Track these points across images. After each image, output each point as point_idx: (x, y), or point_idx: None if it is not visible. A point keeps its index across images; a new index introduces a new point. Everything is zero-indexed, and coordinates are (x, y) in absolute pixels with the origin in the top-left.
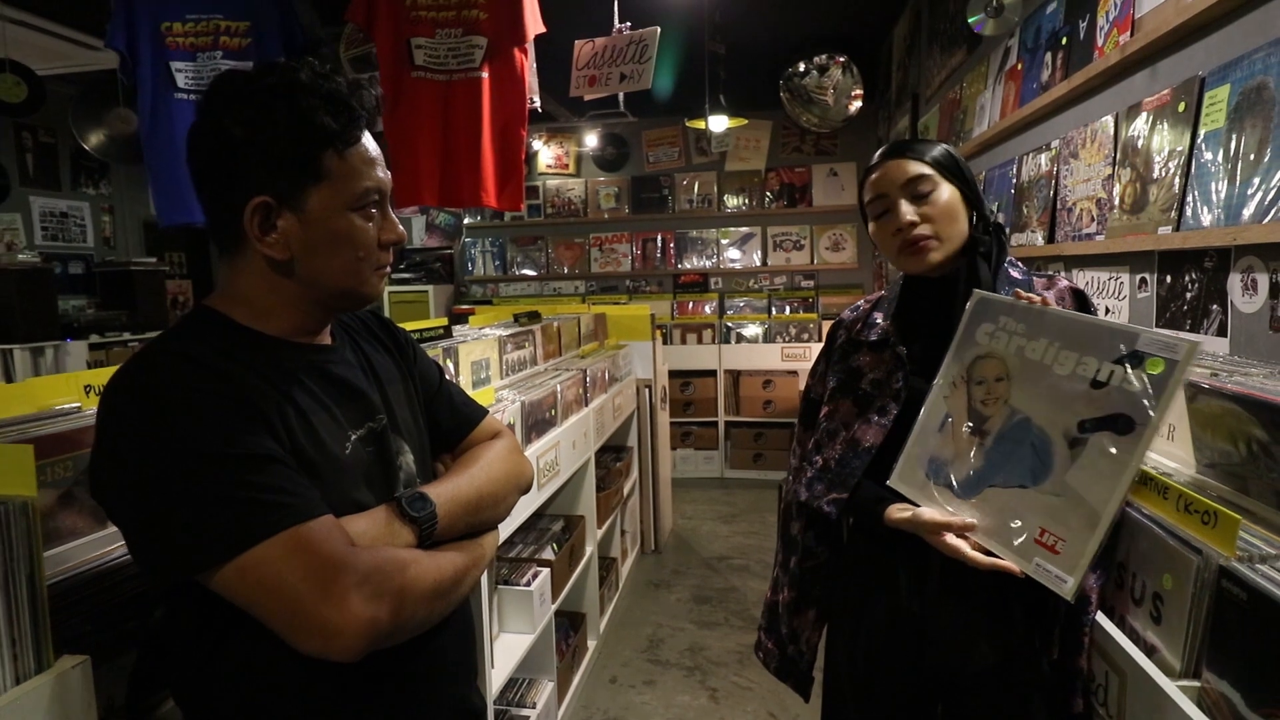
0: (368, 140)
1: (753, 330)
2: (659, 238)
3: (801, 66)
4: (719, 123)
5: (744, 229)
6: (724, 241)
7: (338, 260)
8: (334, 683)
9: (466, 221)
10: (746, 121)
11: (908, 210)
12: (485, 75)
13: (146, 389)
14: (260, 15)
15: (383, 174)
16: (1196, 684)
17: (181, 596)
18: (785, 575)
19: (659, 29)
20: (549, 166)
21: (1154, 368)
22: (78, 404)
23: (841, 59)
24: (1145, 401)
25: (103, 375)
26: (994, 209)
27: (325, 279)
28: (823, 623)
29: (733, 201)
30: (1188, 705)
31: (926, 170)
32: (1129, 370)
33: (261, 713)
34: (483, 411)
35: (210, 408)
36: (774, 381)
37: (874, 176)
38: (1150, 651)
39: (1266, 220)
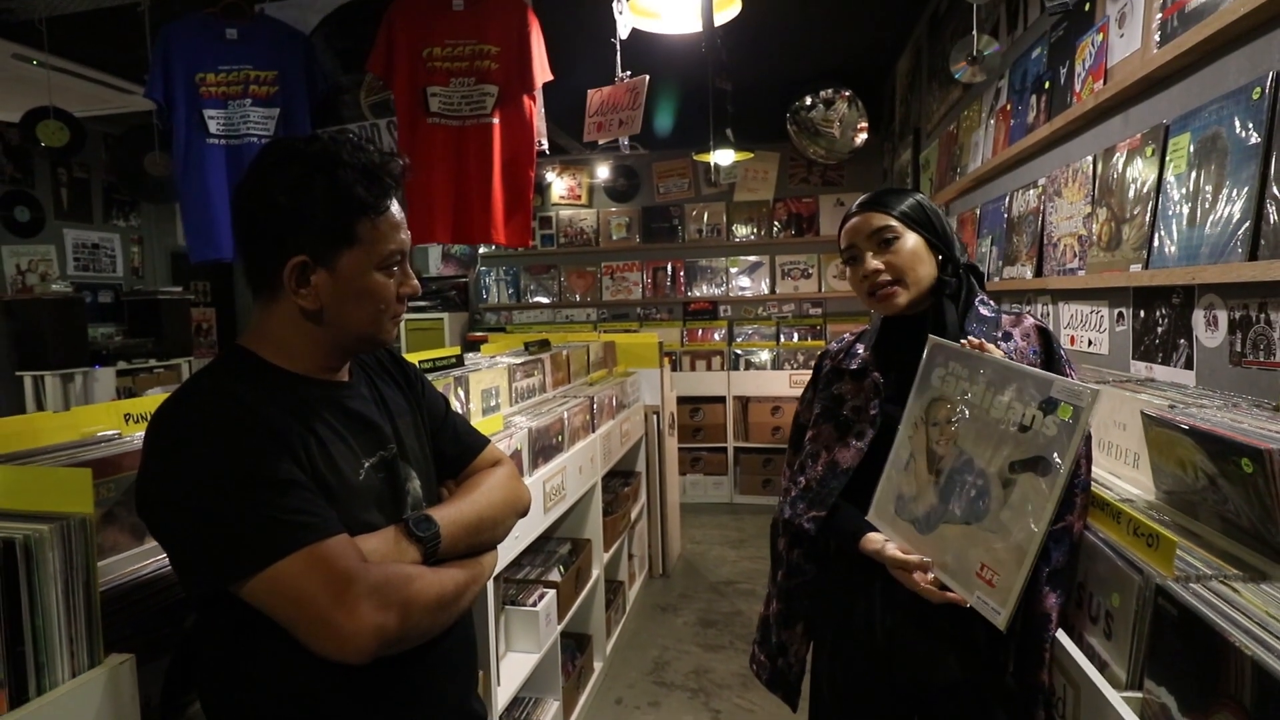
0: (395, 208)
1: (761, 357)
2: (669, 266)
3: (808, 100)
4: (725, 156)
5: (752, 258)
6: (733, 270)
7: (362, 312)
8: (347, 686)
9: (481, 251)
10: (753, 154)
11: (872, 260)
12: (496, 121)
13: (189, 419)
14: (287, 65)
15: (405, 236)
16: (1139, 694)
17: (212, 606)
18: (774, 590)
19: (648, 77)
20: (562, 197)
21: (1064, 414)
22: (117, 431)
23: (847, 93)
24: (1058, 445)
25: (140, 404)
26: (964, 248)
27: (349, 327)
28: (810, 637)
29: (741, 231)
30: (1129, 714)
31: (892, 222)
32: (1045, 416)
33: (279, 713)
34: (484, 441)
35: (243, 438)
36: (782, 408)
37: (847, 226)
38: (1103, 666)
39: (1221, 261)
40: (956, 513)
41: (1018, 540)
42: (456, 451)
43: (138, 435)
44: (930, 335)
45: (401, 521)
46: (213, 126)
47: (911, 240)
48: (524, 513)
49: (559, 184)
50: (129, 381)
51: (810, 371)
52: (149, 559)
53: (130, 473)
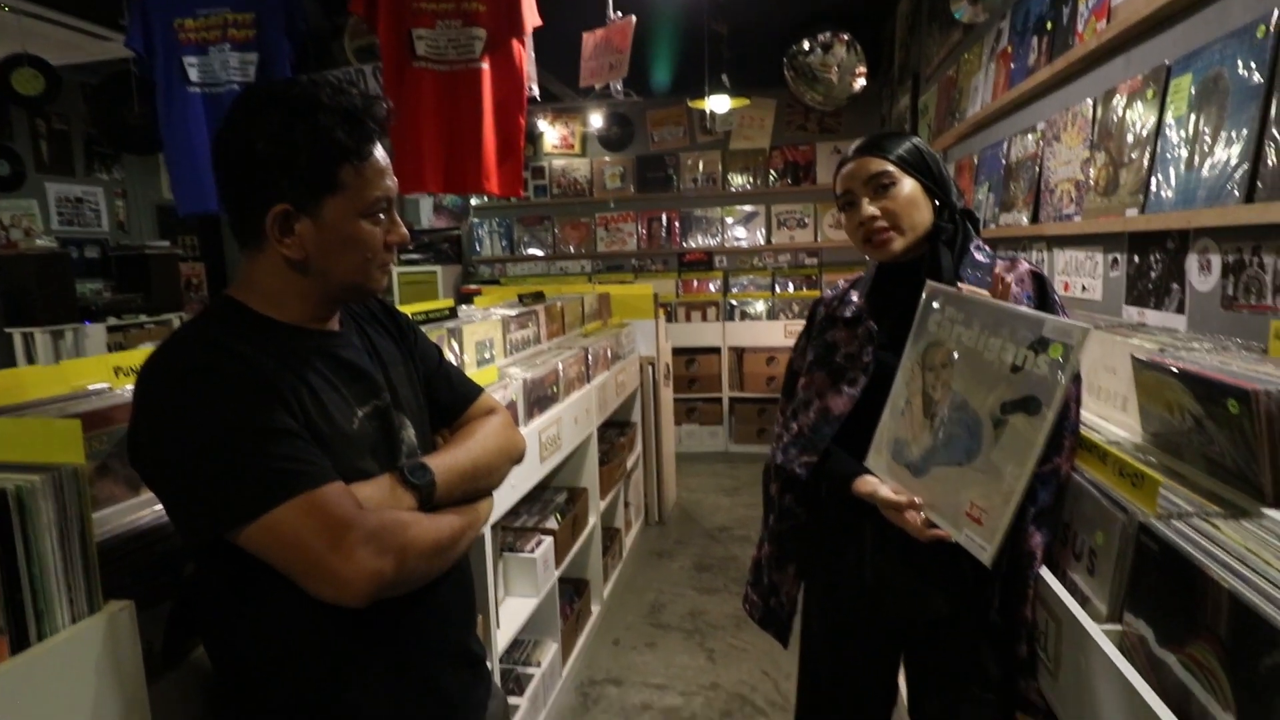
0: (379, 153)
1: (757, 308)
2: (664, 217)
3: (806, 44)
4: (720, 103)
5: (748, 207)
6: (728, 220)
7: (348, 260)
8: (347, 629)
9: (474, 203)
10: (749, 101)
11: (868, 205)
12: (485, 66)
13: (179, 370)
14: (264, 6)
15: (391, 183)
16: (1118, 627)
17: (210, 553)
18: (766, 533)
19: (634, 18)
20: (555, 147)
21: (1055, 352)
22: (107, 384)
23: (845, 37)
24: (1048, 384)
25: (129, 358)
26: (960, 194)
27: (336, 276)
28: (800, 578)
29: (737, 180)
30: (1107, 645)
31: (889, 167)
32: (1036, 355)
33: (280, 655)
34: (478, 389)
35: (235, 387)
36: (777, 358)
37: (843, 171)
38: (1084, 601)
39: (1217, 204)
40: (949, 455)
41: (1006, 479)
42: (450, 400)
43: (128, 388)
44: (928, 280)
45: (397, 469)
46: (193, 74)
47: (908, 186)
48: (519, 460)
49: (551, 133)
50: (120, 337)
51: (805, 321)
52: (145, 510)
53: (123, 425)
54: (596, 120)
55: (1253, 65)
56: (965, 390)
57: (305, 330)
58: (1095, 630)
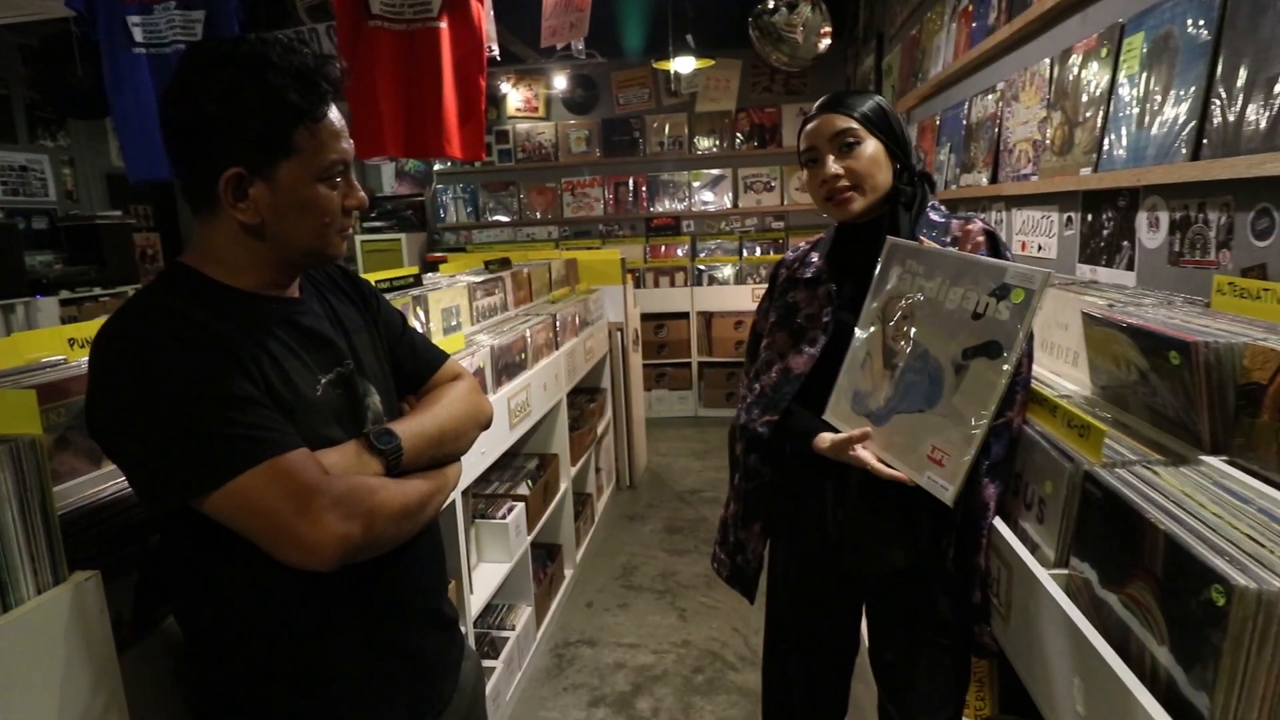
0: (334, 114)
1: (724, 272)
2: (630, 181)
3: (771, 3)
4: (685, 64)
5: (715, 171)
6: (695, 184)
7: (305, 225)
8: (317, 593)
9: (437, 168)
10: (714, 62)
11: (832, 164)
12: (443, 25)
13: (136, 339)
14: None
15: (347, 145)
16: (1065, 571)
17: (176, 522)
18: (732, 492)
19: None
20: (518, 110)
21: (1016, 297)
22: (62, 356)
23: None
24: (1009, 328)
25: (84, 329)
26: (921, 156)
27: (293, 242)
28: (766, 535)
29: (704, 143)
30: (1054, 588)
31: (854, 125)
32: (998, 301)
33: (250, 621)
34: (444, 356)
35: (194, 355)
36: (745, 322)
37: (807, 128)
38: (1034, 548)
39: (1166, 162)
40: (910, 402)
41: (968, 421)
42: (415, 366)
43: (83, 360)
44: (889, 237)
45: (362, 435)
46: (138, 35)
47: (871, 146)
48: (486, 425)
49: (514, 96)
50: (74, 311)
51: (768, 284)
52: (107, 482)
53: (80, 397)
54: (560, 82)
55: (1201, 23)
56: (926, 340)
57: (264, 297)
58: (1043, 575)
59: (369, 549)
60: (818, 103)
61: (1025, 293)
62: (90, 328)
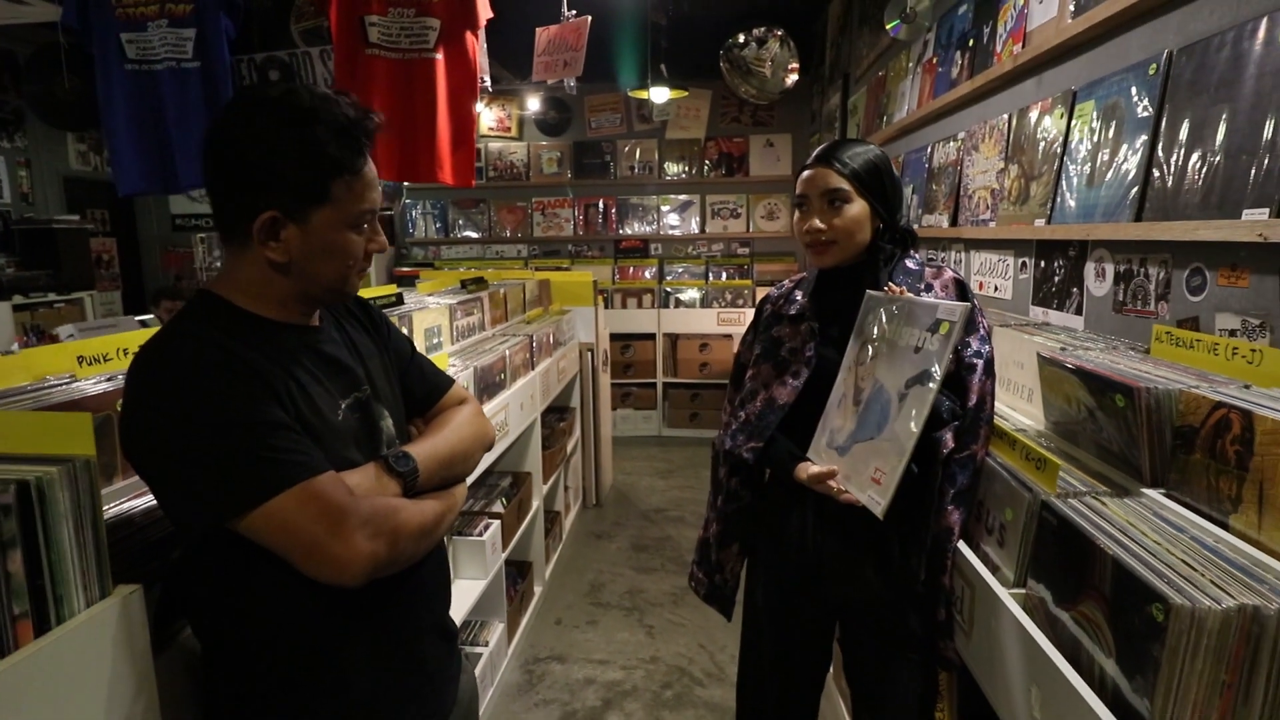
0: (369, 167)
1: (690, 295)
2: (600, 203)
3: (741, 38)
4: (660, 94)
5: (683, 196)
6: (664, 208)
7: (330, 267)
8: (335, 609)
9: (406, 184)
10: (686, 92)
11: (817, 218)
12: (439, 56)
13: (174, 365)
14: None
15: (376, 195)
16: (1023, 591)
17: (204, 539)
18: (714, 514)
19: (589, 18)
20: (491, 129)
21: (943, 329)
22: (70, 374)
23: (779, 32)
24: (936, 357)
25: (93, 346)
26: (910, 199)
27: (317, 280)
28: (744, 556)
29: (673, 169)
30: (1014, 606)
31: (845, 185)
32: (932, 335)
33: (270, 633)
34: (450, 380)
35: (230, 382)
36: (710, 345)
37: (804, 175)
38: (995, 570)
39: (1112, 220)
40: (864, 432)
41: (900, 441)
42: (424, 391)
43: (93, 378)
44: (867, 290)
45: (381, 458)
46: (130, 52)
47: (857, 207)
48: (490, 447)
49: (488, 115)
50: (27, 317)
51: (738, 310)
52: (123, 497)
53: (93, 415)
54: (534, 104)
55: (1145, 98)
56: (883, 377)
57: (289, 326)
58: (1004, 594)
59: (392, 565)
60: (818, 150)
61: (949, 324)
62: (97, 345)
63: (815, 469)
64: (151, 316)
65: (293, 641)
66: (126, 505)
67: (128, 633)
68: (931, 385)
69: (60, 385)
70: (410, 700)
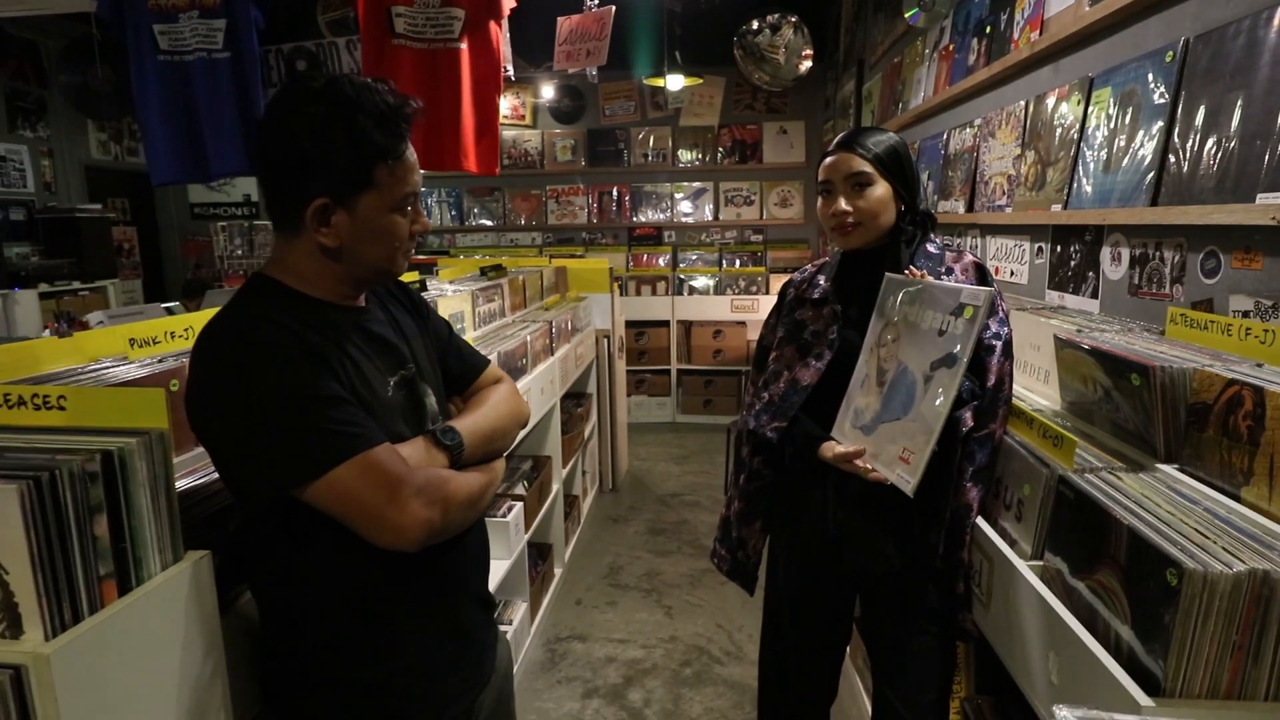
0: (410, 152)
1: (704, 282)
2: (614, 191)
3: (755, 24)
4: (675, 81)
5: (697, 184)
6: (678, 196)
7: (378, 249)
8: (390, 574)
9: (424, 172)
10: (701, 80)
11: (843, 200)
12: (464, 46)
13: (238, 342)
14: None
15: (417, 177)
16: (1040, 563)
17: (263, 510)
18: (736, 491)
19: (613, 8)
20: (505, 117)
21: (968, 314)
22: (123, 355)
23: (793, 19)
24: (963, 339)
25: (142, 329)
26: (926, 185)
27: (365, 262)
28: (766, 533)
29: (686, 156)
30: (1032, 577)
31: (868, 168)
32: (956, 319)
33: (327, 597)
34: (486, 360)
35: (291, 358)
36: (724, 331)
37: (827, 161)
38: (1013, 543)
39: (1128, 205)
40: (890, 412)
41: (928, 422)
42: (462, 370)
43: (145, 359)
44: (886, 273)
45: (429, 432)
46: (163, 43)
47: (881, 189)
48: (525, 424)
49: (502, 103)
50: (53, 305)
51: (751, 297)
52: (182, 471)
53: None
54: (548, 92)
55: (1161, 85)
56: (907, 357)
57: (340, 306)
58: (1022, 566)
59: (445, 532)
60: (839, 137)
61: (974, 309)
62: (147, 328)
63: (841, 448)
64: (176, 305)
65: (347, 606)
66: (182, 482)
67: (198, 595)
68: (958, 368)
69: (114, 367)
70: (455, 664)
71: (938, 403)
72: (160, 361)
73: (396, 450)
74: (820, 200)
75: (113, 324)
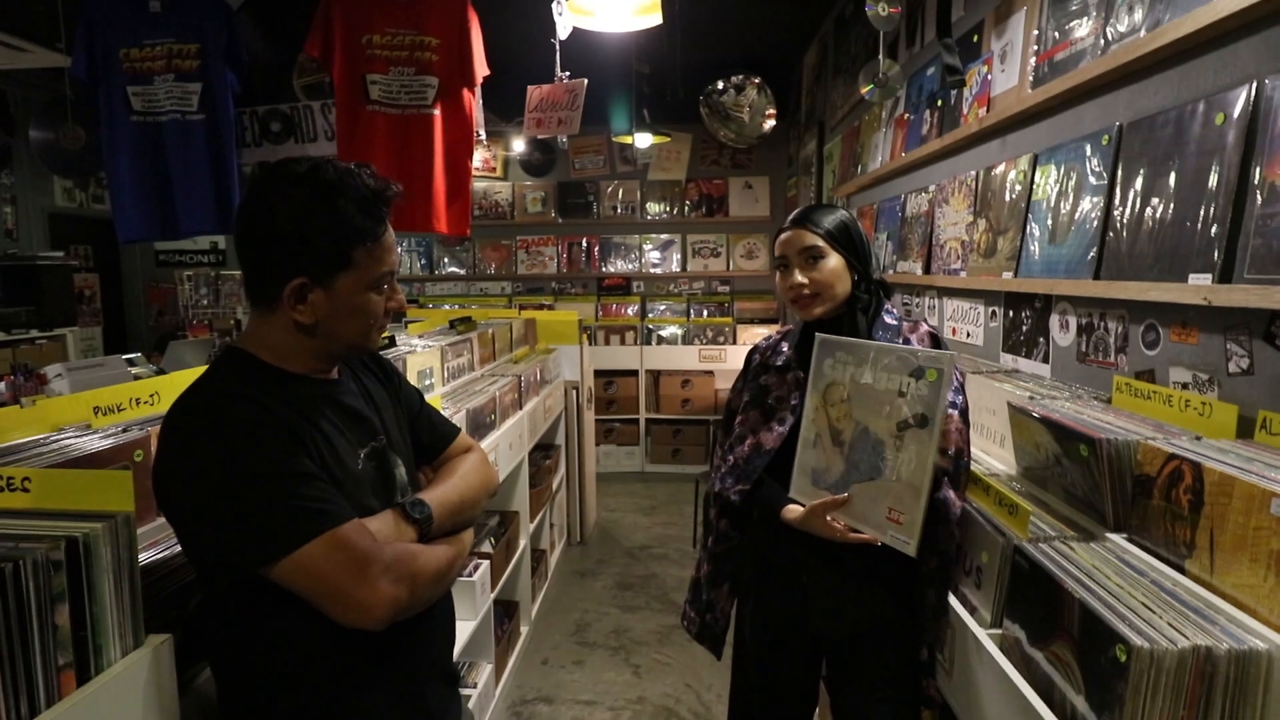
0: (388, 233)
1: (672, 331)
2: (584, 241)
3: (720, 84)
4: (644, 139)
5: (665, 236)
6: (646, 247)
7: (353, 327)
8: (352, 650)
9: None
10: (669, 138)
11: (798, 274)
12: (437, 113)
13: (207, 419)
14: (208, 38)
15: (395, 257)
16: (999, 631)
17: (225, 587)
18: (704, 553)
19: (585, 81)
20: (477, 169)
21: (930, 376)
22: (86, 423)
23: (756, 80)
24: (930, 400)
25: (105, 396)
26: (885, 245)
27: (340, 339)
28: (734, 595)
29: (655, 209)
30: (992, 647)
31: (820, 242)
32: (916, 381)
33: (288, 675)
34: (456, 429)
35: (261, 434)
36: (692, 381)
37: (782, 238)
38: (973, 610)
39: (1074, 277)
40: (861, 473)
41: (912, 482)
42: (432, 440)
43: (109, 428)
44: (818, 333)
45: (398, 505)
46: (136, 104)
47: (834, 261)
48: (494, 494)
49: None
50: (9, 354)
51: (719, 347)
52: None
53: (110, 467)
54: (519, 145)
55: (1100, 165)
56: (864, 419)
57: (312, 380)
58: (982, 634)
59: (412, 609)
60: (791, 216)
61: (937, 372)
62: (110, 395)
63: (817, 502)
64: (138, 356)
65: (309, 684)
66: (144, 555)
67: (158, 680)
68: (932, 428)
69: (78, 438)
70: None
71: (915, 464)
72: (124, 430)
73: (365, 526)
74: (778, 275)
75: (72, 376)
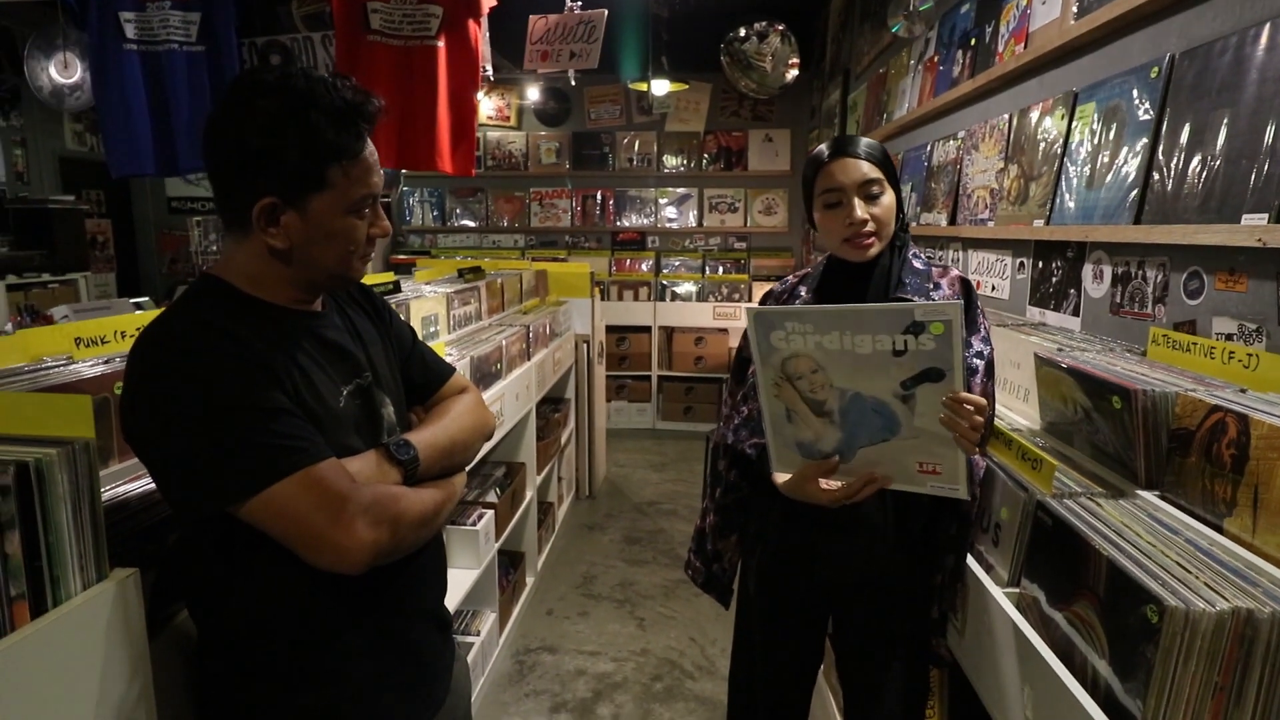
0: (368, 151)
1: (686, 289)
2: (599, 195)
3: (742, 31)
4: (661, 86)
5: (681, 190)
6: (662, 201)
7: (331, 252)
8: (335, 595)
9: (404, 170)
10: (687, 85)
11: (861, 209)
12: (441, 44)
13: (176, 350)
14: None
15: (377, 179)
16: (1017, 590)
17: (203, 524)
18: (712, 504)
19: (606, 12)
20: (490, 118)
21: (937, 329)
22: (68, 355)
23: (780, 27)
24: (943, 354)
25: (90, 328)
26: (909, 197)
27: (318, 267)
28: (741, 546)
29: (671, 162)
30: (1008, 606)
31: (878, 175)
32: (917, 336)
33: (268, 619)
34: (451, 369)
35: (232, 367)
36: (705, 339)
37: (831, 167)
38: (989, 569)
39: (1111, 222)
40: (869, 435)
41: (939, 433)
42: (425, 379)
43: (90, 360)
44: (746, 307)
45: (382, 446)
46: (129, 31)
47: (889, 196)
48: (490, 437)
49: (486, 104)
50: (21, 297)
51: (734, 304)
52: (119, 481)
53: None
54: (533, 94)
55: (1146, 102)
56: (851, 384)
57: (292, 311)
58: (998, 593)
59: (394, 553)
60: (833, 144)
61: (944, 324)
62: (94, 327)
63: (796, 475)
64: (146, 300)
65: (289, 628)
66: (123, 489)
67: (124, 616)
68: (950, 380)
69: (57, 367)
70: (404, 689)
71: (941, 414)
72: (106, 362)
73: (343, 465)
74: (823, 214)
75: (78, 318)
